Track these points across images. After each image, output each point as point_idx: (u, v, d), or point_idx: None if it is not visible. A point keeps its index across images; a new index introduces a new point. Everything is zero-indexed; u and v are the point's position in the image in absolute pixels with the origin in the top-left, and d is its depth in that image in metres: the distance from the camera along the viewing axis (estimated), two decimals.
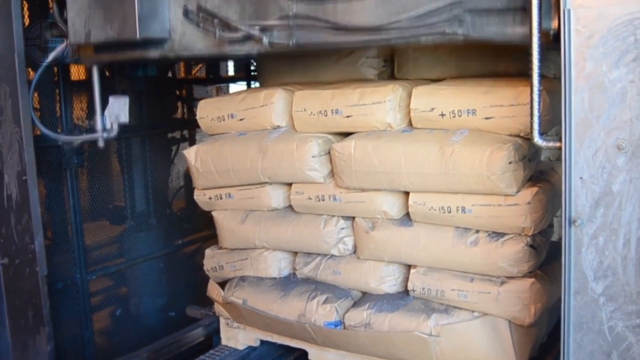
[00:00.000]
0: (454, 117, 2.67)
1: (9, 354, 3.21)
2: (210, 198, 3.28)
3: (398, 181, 2.74)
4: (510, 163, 2.50)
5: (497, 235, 2.65)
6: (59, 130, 3.89)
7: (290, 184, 3.08)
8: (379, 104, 2.81)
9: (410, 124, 2.83)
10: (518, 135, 2.61)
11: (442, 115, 2.69)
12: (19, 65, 3.05)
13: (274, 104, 3.08)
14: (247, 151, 3.05)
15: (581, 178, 1.88)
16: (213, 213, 3.33)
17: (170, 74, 5.15)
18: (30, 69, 3.35)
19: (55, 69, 3.79)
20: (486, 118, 2.61)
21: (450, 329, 2.68)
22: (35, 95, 3.72)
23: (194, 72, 5.69)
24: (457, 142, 2.60)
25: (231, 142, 3.14)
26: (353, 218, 2.98)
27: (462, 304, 2.72)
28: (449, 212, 2.68)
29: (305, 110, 2.98)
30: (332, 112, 2.91)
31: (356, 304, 2.97)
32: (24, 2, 3.53)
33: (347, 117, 2.88)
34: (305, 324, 2.96)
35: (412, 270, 2.85)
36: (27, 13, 3.69)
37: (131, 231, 4.68)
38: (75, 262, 4.03)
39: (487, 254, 2.65)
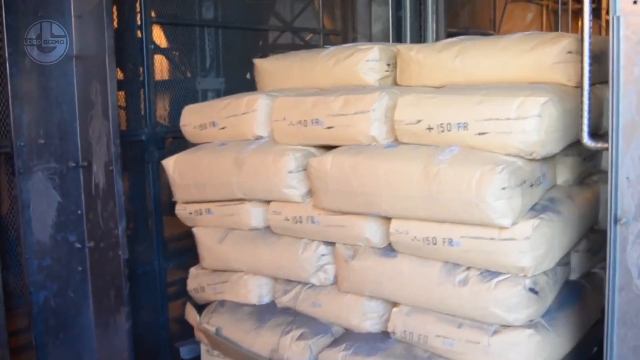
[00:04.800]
0: (443, 131, 2.24)
1: (92, 330, 3.42)
2: (190, 213, 3.00)
3: (377, 204, 2.34)
4: (504, 189, 2.06)
5: (490, 274, 2.21)
6: (143, 126, 4.08)
7: (269, 202, 2.75)
8: (362, 113, 2.43)
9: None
10: (518, 156, 2.16)
11: (430, 128, 2.27)
12: (109, 65, 3.23)
13: (256, 112, 2.75)
14: (224, 163, 2.75)
15: (627, 178, 1.89)
16: (193, 230, 3.05)
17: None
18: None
19: (141, 69, 4.01)
20: (479, 134, 2.18)
21: None
22: (122, 93, 4.01)
23: None
24: (444, 162, 2.18)
25: (209, 153, 2.85)
26: (335, 244, 2.61)
27: (447, 354, 2.29)
28: (434, 243, 2.26)
29: (284, 119, 2.64)
30: (313, 122, 2.55)
31: (334, 342, 2.59)
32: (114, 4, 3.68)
33: (329, 128, 2.52)
34: None
35: (393, 309, 2.45)
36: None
37: None
38: (154, 251, 4.11)
39: (477, 297, 2.20)
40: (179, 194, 2.98)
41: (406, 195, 2.25)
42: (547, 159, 2.33)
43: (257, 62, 3.24)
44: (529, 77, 2.42)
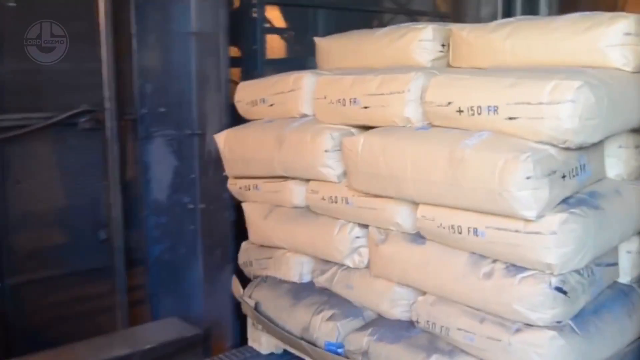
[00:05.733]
0: (473, 114, 2.12)
1: (200, 284, 3.77)
2: (240, 188, 3.04)
3: (403, 188, 2.26)
4: (528, 178, 1.92)
5: (516, 269, 2.07)
6: None
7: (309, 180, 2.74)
8: (397, 94, 2.35)
9: None
10: (550, 144, 2.00)
11: (460, 111, 2.15)
12: (224, 42, 3.59)
13: (302, 89, 2.73)
14: (267, 140, 2.76)
15: None
16: (242, 204, 3.09)
17: None
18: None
19: (254, 47, 4.23)
20: (510, 118, 2.03)
21: None
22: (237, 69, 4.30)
23: None
24: (470, 147, 2.06)
25: (256, 129, 2.88)
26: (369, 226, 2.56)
27: (468, 348, 2.18)
28: (460, 232, 2.16)
29: (325, 97, 2.60)
30: (351, 102, 2.50)
31: (363, 326, 2.54)
32: None
33: (365, 107, 2.45)
34: (303, 342, 2.60)
35: (419, 298, 2.36)
36: None
37: None
38: None
39: (499, 291, 2.08)
40: (229, 169, 3.03)
41: (431, 180, 2.16)
42: (593, 149, 2.15)
43: (317, 40, 3.21)
44: (581, 60, 2.22)
